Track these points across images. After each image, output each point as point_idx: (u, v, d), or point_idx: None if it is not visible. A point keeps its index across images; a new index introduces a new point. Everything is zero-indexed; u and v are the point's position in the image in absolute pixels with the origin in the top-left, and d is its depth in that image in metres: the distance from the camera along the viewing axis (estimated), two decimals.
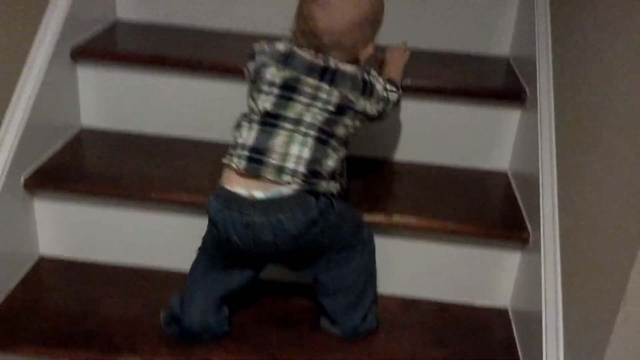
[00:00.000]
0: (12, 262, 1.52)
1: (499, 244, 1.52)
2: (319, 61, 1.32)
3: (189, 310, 1.37)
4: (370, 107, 1.37)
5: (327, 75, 1.31)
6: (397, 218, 1.49)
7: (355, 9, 1.30)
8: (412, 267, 1.56)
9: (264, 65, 1.33)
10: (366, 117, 1.38)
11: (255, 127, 1.31)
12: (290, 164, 1.27)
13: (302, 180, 1.27)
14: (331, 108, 1.31)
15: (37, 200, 1.56)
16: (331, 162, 1.31)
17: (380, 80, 1.39)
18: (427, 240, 1.53)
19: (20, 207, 1.52)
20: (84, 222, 1.58)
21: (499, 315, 1.56)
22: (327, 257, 1.38)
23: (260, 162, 1.28)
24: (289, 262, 1.41)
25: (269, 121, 1.30)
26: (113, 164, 1.61)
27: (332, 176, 1.32)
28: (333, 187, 1.32)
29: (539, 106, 1.52)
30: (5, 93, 1.48)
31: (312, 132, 1.29)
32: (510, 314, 1.56)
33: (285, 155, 1.28)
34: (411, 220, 1.49)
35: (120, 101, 1.74)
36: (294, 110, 1.30)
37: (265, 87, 1.32)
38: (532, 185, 1.49)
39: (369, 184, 1.61)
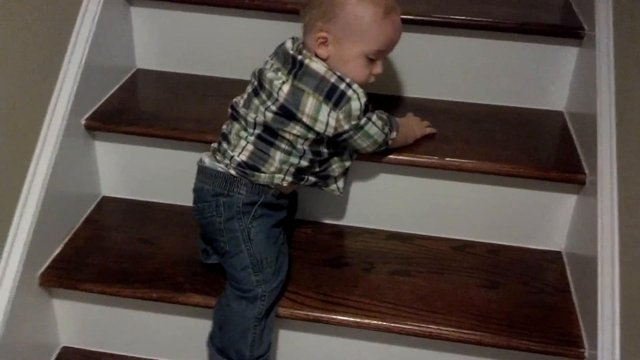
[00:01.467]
0: (76, 202, 1.58)
1: (554, 187, 1.50)
2: (294, 52, 1.30)
3: None
4: (332, 123, 1.27)
5: (295, 67, 1.28)
6: (450, 160, 1.48)
7: None
8: (465, 209, 1.56)
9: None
10: (334, 140, 1.33)
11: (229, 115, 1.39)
12: (235, 152, 1.33)
13: (237, 169, 1.32)
14: (280, 111, 1.28)
15: (97, 141, 1.60)
16: (276, 164, 1.33)
17: (360, 95, 1.27)
18: (480, 182, 1.52)
19: (82, 148, 1.56)
20: (142, 163, 1.62)
21: (553, 258, 1.56)
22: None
23: (220, 144, 1.37)
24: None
25: (233, 114, 1.36)
26: (169, 106, 1.63)
27: (280, 172, 1.34)
28: (277, 178, 1.33)
29: (597, 43, 1.48)
30: (63, 36, 1.50)
31: (256, 131, 1.32)
32: (564, 257, 1.55)
33: (234, 146, 1.33)
34: (464, 162, 1.48)
35: (174, 42, 1.75)
36: (247, 108, 1.33)
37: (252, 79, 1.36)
38: (589, 125, 1.46)
39: None
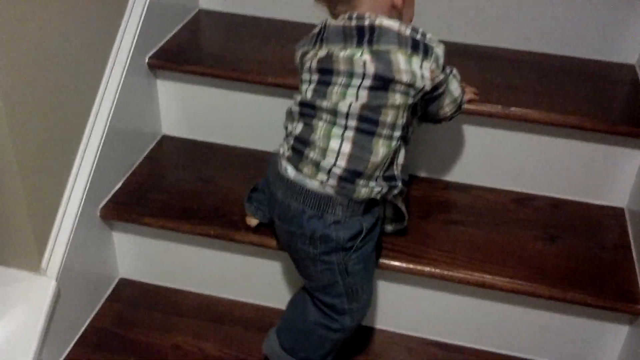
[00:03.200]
0: (137, 140, 1.60)
1: (621, 141, 1.45)
2: (352, 22, 1.16)
3: None
4: (427, 74, 1.15)
5: (364, 35, 1.15)
6: (514, 110, 1.44)
7: None
8: (528, 161, 1.53)
9: (303, 53, 1.23)
10: (424, 98, 1.21)
11: (298, 118, 1.21)
12: (328, 161, 1.17)
13: (337, 184, 1.17)
14: (372, 82, 1.14)
15: (160, 80, 1.61)
16: (376, 159, 1.17)
17: (436, 39, 1.17)
18: (544, 134, 1.48)
19: (144, 86, 1.58)
20: (203, 103, 1.63)
21: (615, 214, 1.52)
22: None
23: (300, 154, 1.19)
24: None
25: (307, 112, 1.19)
26: (230, 47, 1.63)
27: (374, 177, 1.19)
28: (375, 190, 1.19)
29: None
30: None
31: (351, 123, 1.16)
32: (626, 214, 1.51)
33: (324, 151, 1.17)
34: (529, 112, 1.44)
35: None
36: (330, 98, 1.17)
37: (306, 76, 1.21)
38: None
39: (484, 73, 1.56)
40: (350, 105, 1.14)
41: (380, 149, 1.16)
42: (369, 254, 1.25)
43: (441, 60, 1.17)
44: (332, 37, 1.18)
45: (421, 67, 1.15)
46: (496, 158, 1.54)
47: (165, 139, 1.69)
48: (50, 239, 1.34)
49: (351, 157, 1.16)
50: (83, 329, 1.46)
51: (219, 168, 1.59)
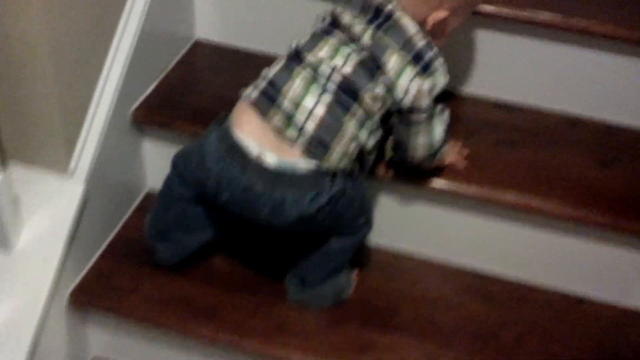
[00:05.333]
0: (170, 43, 1.52)
1: None
2: (381, 1, 1.11)
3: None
4: (413, 90, 1.10)
5: (378, 17, 1.10)
6: (576, 19, 1.33)
7: None
8: (580, 81, 1.42)
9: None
10: (400, 118, 1.14)
11: (282, 61, 1.15)
12: (299, 118, 1.09)
13: (306, 148, 1.09)
14: (364, 56, 1.09)
15: None
16: (348, 137, 1.10)
17: (446, 73, 1.14)
18: (606, 51, 1.37)
19: None
20: (240, 5, 1.53)
21: None
22: (316, 238, 1.23)
23: (271, 100, 1.10)
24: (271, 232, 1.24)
25: (294, 59, 1.13)
26: None
27: (346, 154, 1.12)
28: (347, 164, 1.13)
29: None
30: None
31: (330, 87, 1.09)
32: None
33: (296, 105, 1.10)
34: (593, 23, 1.33)
35: None
36: (318, 52, 1.11)
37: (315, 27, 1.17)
38: None
39: None
40: (335, 67, 1.09)
41: (349, 129, 1.10)
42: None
43: (437, 89, 1.12)
44: (354, 2, 1.13)
45: (411, 80, 1.10)
46: (549, 75, 1.44)
47: (199, 45, 1.59)
48: (80, 139, 1.28)
49: (322, 123, 1.09)
50: (109, 239, 1.42)
51: (256, 74, 1.51)
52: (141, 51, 1.37)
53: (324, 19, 1.17)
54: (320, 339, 1.26)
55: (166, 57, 1.51)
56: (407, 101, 1.11)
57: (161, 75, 1.49)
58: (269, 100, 1.11)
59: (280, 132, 1.10)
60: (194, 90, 1.47)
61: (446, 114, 1.21)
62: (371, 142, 1.16)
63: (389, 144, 1.26)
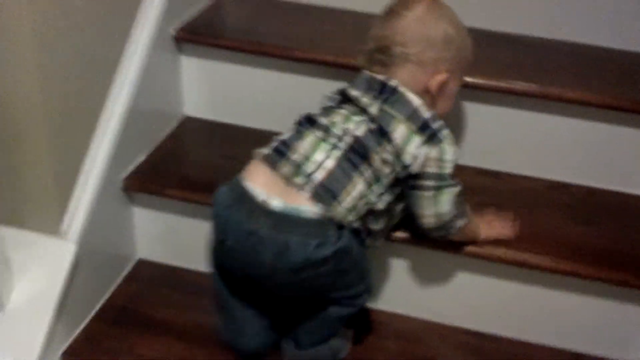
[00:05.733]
0: (159, 118, 1.56)
1: None
2: (380, 77, 1.19)
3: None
4: (421, 157, 1.15)
5: (384, 93, 1.17)
6: (552, 89, 1.41)
7: (438, 23, 1.18)
8: (563, 147, 1.49)
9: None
10: (406, 182, 1.18)
11: (292, 127, 1.21)
12: (308, 168, 1.13)
13: (314, 193, 1.11)
14: (372, 126, 1.15)
15: (183, 56, 1.58)
16: (357, 193, 1.13)
17: (452, 143, 1.18)
18: (581, 117, 1.44)
19: (168, 62, 1.54)
20: (228, 81, 1.59)
21: None
22: (311, 302, 1.24)
23: (282, 154, 1.15)
24: (271, 294, 1.24)
25: (304, 124, 1.19)
26: (255, 23, 1.60)
27: (354, 209, 1.14)
28: (353, 221, 1.14)
29: None
30: None
31: (342, 145, 1.14)
32: None
33: (306, 158, 1.14)
34: (565, 92, 1.40)
35: None
36: (330, 118, 1.18)
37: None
38: None
39: (516, 55, 1.53)
40: (346, 130, 1.14)
41: (358, 185, 1.13)
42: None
43: (446, 157, 1.17)
44: (358, 81, 1.20)
45: (418, 147, 1.15)
46: (532, 144, 1.50)
47: (189, 120, 1.64)
48: (72, 202, 1.30)
49: (331, 175, 1.12)
50: (100, 305, 1.40)
51: (242, 146, 1.52)
52: (130, 124, 1.40)
53: (332, 97, 1.23)
54: None
55: (156, 131, 1.54)
56: (416, 167, 1.15)
57: (151, 147, 1.52)
58: (279, 155, 1.15)
59: (288, 180, 1.12)
60: (183, 161, 1.51)
61: (456, 188, 1.20)
62: (381, 205, 1.17)
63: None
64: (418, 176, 1.16)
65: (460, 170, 1.49)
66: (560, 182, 1.51)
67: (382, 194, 1.16)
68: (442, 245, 1.30)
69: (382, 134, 1.14)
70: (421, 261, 1.38)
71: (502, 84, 1.42)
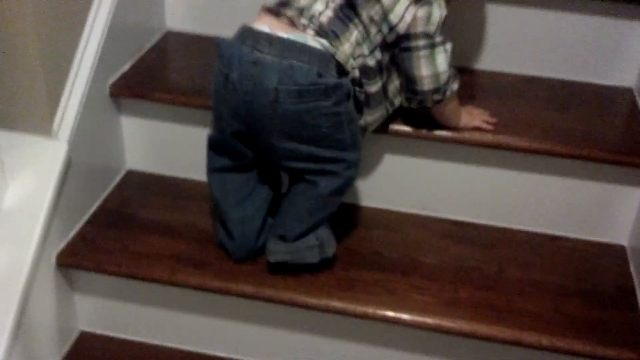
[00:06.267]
0: (142, 30, 1.58)
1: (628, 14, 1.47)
2: None
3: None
4: (408, 18, 1.19)
5: None
6: None
7: None
8: (534, 42, 1.53)
9: None
10: (398, 45, 1.22)
11: None
12: (312, 12, 1.19)
13: (317, 30, 1.17)
14: None
15: None
16: (354, 40, 1.19)
17: (442, 6, 1.21)
18: (554, 10, 1.49)
19: None
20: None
21: (624, 94, 1.52)
22: (304, 162, 1.24)
23: (285, 4, 1.21)
24: (269, 143, 1.22)
25: None
26: None
27: (353, 56, 1.19)
28: (353, 69, 1.19)
29: None
30: None
31: (337, 1, 1.20)
32: (635, 93, 1.52)
33: (308, 7, 1.20)
34: None
35: None
36: None
37: None
38: None
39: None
40: None
41: (354, 34, 1.19)
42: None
43: (433, 19, 1.20)
44: None
45: (406, 8, 1.19)
46: (503, 40, 1.54)
47: (171, 34, 1.66)
48: (61, 104, 1.32)
49: (331, 21, 1.18)
50: (93, 209, 1.44)
51: None
52: (114, 34, 1.43)
53: None
54: (308, 280, 1.28)
55: (139, 42, 1.57)
56: (402, 27, 1.20)
57: (135, 56, 1.54)
58: (283, 5, 1.21)
59: (293, 21, 1.18)
60: (166, 68, 1.54)
61: (448, 45, 1.24)
62: (371, 61, 1.21)
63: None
64: (408, 37, 1.21)
65: None
66: (535, 76, 1.56)
67: (372, 50, 1.21)
68: (424, 133, 1.35)
69: None
70: (402, 153, 1.42)
71: None
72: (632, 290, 1.32)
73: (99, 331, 1.42)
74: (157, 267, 1.30)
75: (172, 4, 1.65)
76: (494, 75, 1.56)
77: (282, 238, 1.28)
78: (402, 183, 1.46)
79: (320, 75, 1.14)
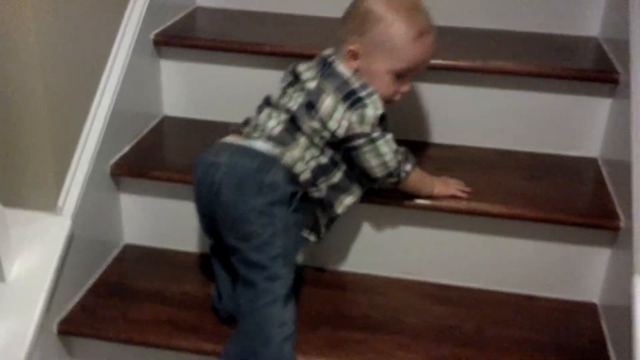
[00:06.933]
0: (141, 116, 1.71)
1: (589, 89, 1.60)
2: (325, 52, 1.39)
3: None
4: (345, 123, 1.31)
5: (324, 67, 1.36)
6: (492, 63, 1.59)
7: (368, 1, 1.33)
8: (506, 119, 1.66)
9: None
10: (345, 146, 1.34)
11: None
12: (264, 127, 1.35)
13: (267, 138, 1.33)
14: (306, 100, 1.34)
15: (163, 61, 1.74)
16: (300, 152, 1.32)
17: (378, 106, 1.32)
18: (518, 89, 1.62)
19: (148, 64, 1.70)
20: (203, 80, 1.75)
21: (590, 163, 1.64)
22: (237, 263, 1.33)
23: (245, 124, 1.40)
24: (218, 227, 1.35)
25: (263, 104, 1.42)
26: (227, 29, 1.78)
27: (302, 160, 1.33)
28: (302, 172, 1.32)
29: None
30: None
31: (284, 118, 1.35)
32: (600, 162, 1.63)
33: (263, 123, 1.36)
34: (507, 64, 1.58)
35: None
36: (279, 99, 1.39)
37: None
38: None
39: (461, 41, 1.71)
40: (289, 107, 1.35)
41: (301, 144, 1.33)
42: (300, 222, 1.37)
43: (368, 120, 1.31)
44: (317, 59, 1.40)
45: (342, 115, 1.32)
46: (477, 118, 1.67)
47: (167, 119, 1.79)
48: (66, 182, 1.42)
49: (280, 134, 1.34)
50: (92, 280, 1.52)
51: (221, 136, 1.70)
52: (115, 120, 1.54)
53: (285, 77, 1.43)
54: (301, 340, 1.35)
55: (138, 126, 1.69)
56: (341, 131, 1.32)
57: (134, 139, 1.66)
58: (243, 125, 1.40)
59: (248, 136, 1.36)
60: (163, 149, 1.66)
61: (388, 136, 1.34)
62: (324, 159, 1.35)
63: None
64: (349, 139, 1.33)
65: (418, 146, 1.67)
66: (506, 149, 1.68)
67: (322, 150, 1.35)
68: (402, 200, 1.45)
69: (311, 106, 1.32)
70: (385, 221, 1.52)
71: (450, 62, 1.59)
72: (604, 345, 1.39)
73: None
74: (154, 332, 1.37)
75: (168, 93, 1.78)
76: (470, 150, 1.68)
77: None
78: (385, 250, 1.54)
79: (259, 172, 1.29)
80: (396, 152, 1.36)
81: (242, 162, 1.30)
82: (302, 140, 1.33)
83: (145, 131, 1.71)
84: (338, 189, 1.38)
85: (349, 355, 1.33)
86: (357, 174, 1.39)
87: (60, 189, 1.41)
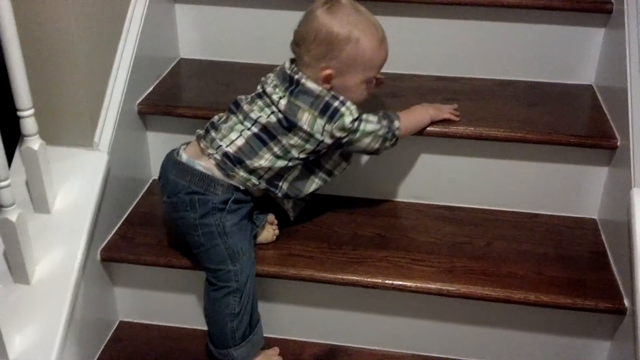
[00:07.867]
0: (160, 61, 1.80)
1: (583, 19, 1.70)
2: (290, 71, 1.39)
3: None
4: (330, 133, 1.36)
5: (292, 85, 1.38)
6: None
7: (325, 23, 1.34)
8: (505, 50, 1.76)
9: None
10: (338, 146, 1.40)
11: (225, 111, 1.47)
12: (222, 143, 1.39)
13: (219, 161, 1.38)
14: (281, 116, 1.37)
15: (177, 5, 1.82)
16: (259, 163, 1.38)
17: (353, 111, 1.37)
18: (519, 21, 1.72)
19: (165, 9, 1.78)
20: (214, 27, 1.83)
21: (586, 90, 1.75)
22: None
23: (207, 133, 1.43)
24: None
25: (233, 108, 1.44)
26: None
27: (255, 173, 1.40)
28: (256, 183, 1.40)
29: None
30: None
31: (253, 129, 1.38)
32: (595, 89, 1.74)
33: (224, 136, 1.40)
34: None
35: None
36: (250, 106, 1.41)
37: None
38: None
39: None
40: (259, 119, 1.39)
41: (264, 159, 1.38)
42: (243, 215, 1.43)
43: (347, 126, 1.36)
44: (278, 73, 1.43)
45: (323, 127, 1.36)
46: (479, 49, 1.76)
47: (183, 60, 1.88)
48: (100, 120, 1.52)
49: (239, 150, 1.38)
50: (127, 212, 1.63)
51: (235, 75, 1.80)
52: (139, 62, 1.63)
53: (257, 88, 1.45)
54: (322, 259, 1.48)
55: (159, 68, 1.78)
56: (327, 141, 1.38)
57: (156, 81, 1.75)
58: (205, 133, 1.44)
59: (204, 151, 1.41)
60: (184, 89, 1.75)
61: (364, 116, 1.40)
62: (290, 164, 1.39)
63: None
64: (339, 142, 1.39)
65: (421, 77, 1.77)
66: (506, 79, 1.78)
67: (290, 160, 1.39)
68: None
69: (290, 123, 1.36)
70: (392, 149, 1.60)
71: None
72: (605, 254, 1.52)
73: (136, 320, 1.60)
74: (190, 255, 1.49)
75: (184, 36, 1.87)
76: (471, 81, 1.78)
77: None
78: (396, 176, 1.66)
79: (191, 192, 1.38)
80: (379, 120, 1.42)
81: (181, 182, 1.39)
82: (267, 155, 1.38)
83: (165, 72, 1.79)
84: (299, 180, 1.45)
85: (370, 270, 1.45)
86: (334, 163, 1.47)
87: (95, 126, 1.50)
